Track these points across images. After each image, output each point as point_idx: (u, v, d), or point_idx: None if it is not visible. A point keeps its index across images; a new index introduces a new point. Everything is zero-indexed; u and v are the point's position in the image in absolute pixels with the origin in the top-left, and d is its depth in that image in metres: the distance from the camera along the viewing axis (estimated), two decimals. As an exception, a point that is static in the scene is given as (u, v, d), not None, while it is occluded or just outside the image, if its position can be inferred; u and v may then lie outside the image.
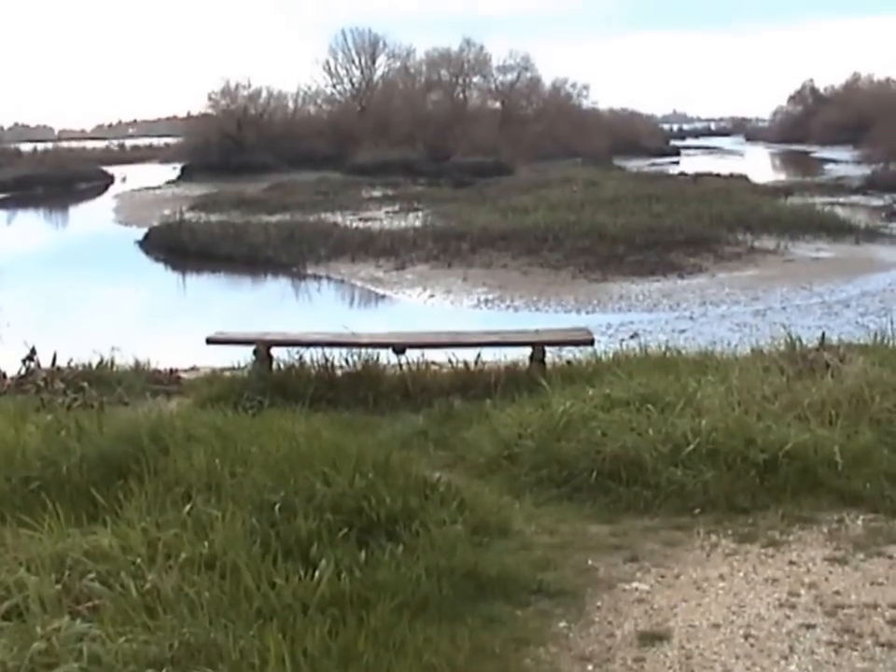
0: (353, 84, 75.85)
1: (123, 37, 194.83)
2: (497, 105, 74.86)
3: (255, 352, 10.08)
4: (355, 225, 31.53)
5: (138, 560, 4.82)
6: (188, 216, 33.67)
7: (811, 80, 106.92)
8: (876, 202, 38.19)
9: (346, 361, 10.07)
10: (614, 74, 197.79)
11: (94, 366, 10.54)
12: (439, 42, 76.00)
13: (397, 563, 5.12)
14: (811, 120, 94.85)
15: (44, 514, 5.41)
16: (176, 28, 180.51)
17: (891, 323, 10.93)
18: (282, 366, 10.05)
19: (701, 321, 18.02)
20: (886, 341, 9.97)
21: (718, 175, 47.92)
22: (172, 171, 64.68)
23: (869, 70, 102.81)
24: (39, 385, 9.42)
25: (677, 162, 73.63)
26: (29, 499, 5.89)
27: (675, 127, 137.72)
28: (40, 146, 73.96)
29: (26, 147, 72.59)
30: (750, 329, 16.73)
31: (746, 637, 4.86)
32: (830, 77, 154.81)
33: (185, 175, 60.26)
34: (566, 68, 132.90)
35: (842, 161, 65.38)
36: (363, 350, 10.07)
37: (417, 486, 6.01)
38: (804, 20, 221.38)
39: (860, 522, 6.21)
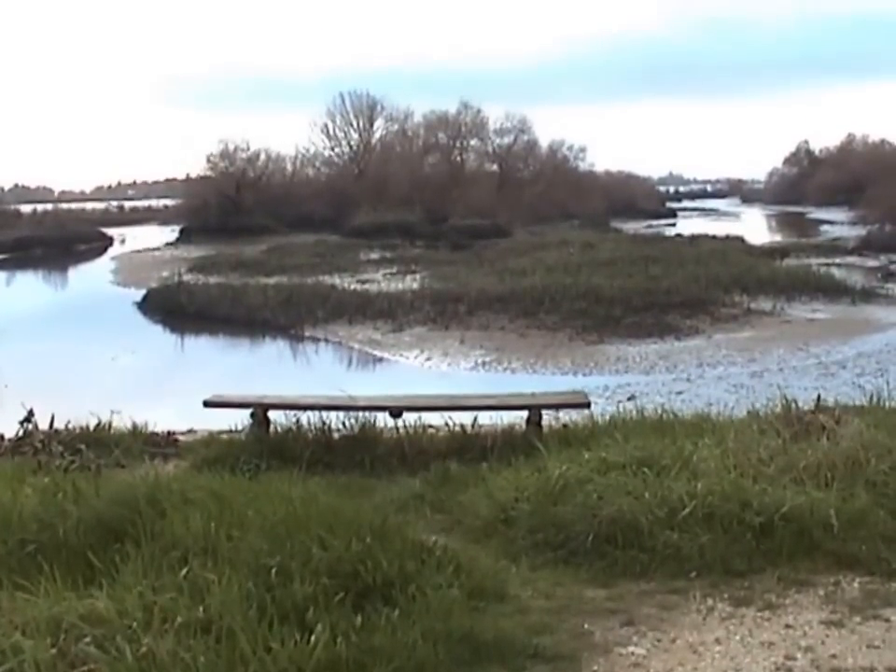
0: (351, 147, 76.45)
1: (123, 99, 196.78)
2: (495, 167, 75.47)
3: (252, 415, 10.10)
4: (352, 287, 31.72)
5: (134, 624, 4.81)
6: (186, 277, 33.94)
7: (806, 142, 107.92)
8: (872, 262, 38.46)
9: (343, 424, 10.09)
10: (611, 137, 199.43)
11: (92, 428, 10.54)
12: (436, 105, 76.61)
13: (393, 627, 5.10)
14: (806, 182, 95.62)
15: (40, 577, 5.41)
16: (175, 90, 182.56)
17: (887, 384, 10.97)
18: (279, 429, 10.07)
19: (698, 383, 18.05)
20: (882, 402, 10.00)
21: (714, 237, 48.27)
22: (170, 232, 65.09)
23: (863, 131, 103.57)
24: (37, 446, 9.46)
25: (673, 224, 74.09)
26: (25, 562, 5.88)
27: (671, 189, 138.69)
28: (40, 207, 74.43)
29: (26, 209, 72.91)
30: (747, 390, 16.73)
31: (742, 701, 4.85)
32: (825, 139, 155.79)
33: (183, 237, 60.59)
34: (563, 131, 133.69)
35: (837, 222, 65.77)
36: (360, 413, 10.09)
37: (414, 550, 6.01)
38: (801, 84, 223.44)
39: (856, 584, 6.20)
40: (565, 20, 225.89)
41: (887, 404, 9.93)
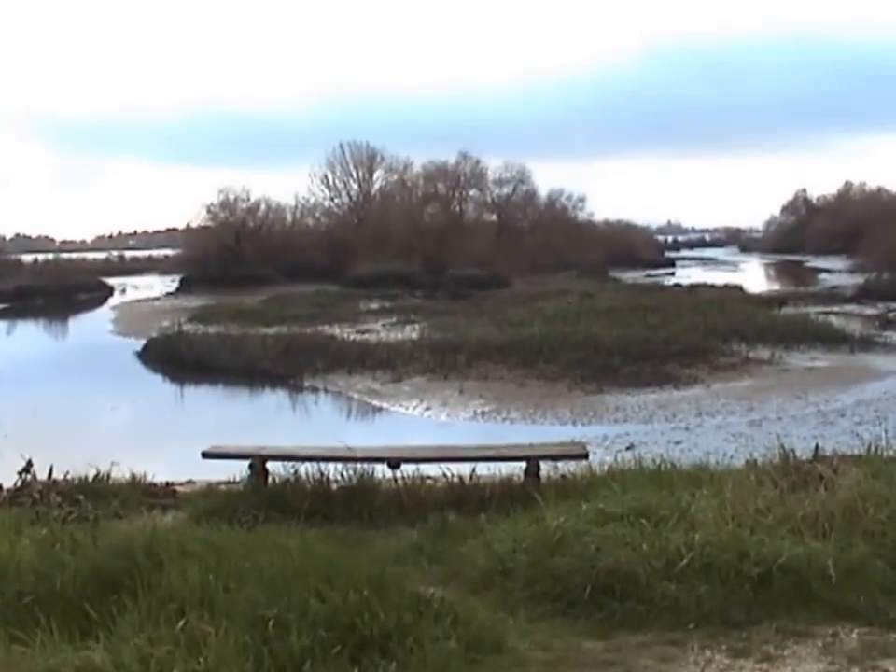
0: (350, 197, 76.84)
1: (123, 147, 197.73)
2: (494, 217, 75.70)
3: (250, 466, 10.09)
4: (352, 337, 31.76)
5: (130, 677, 4.80)
6: (186, 327, 34.07)
7: (804, 190, 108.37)
8: (870, 310, 38.58)
9: (342, 475, 10.08)
10: (609, 187, 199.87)
11: (90, 479, 10.52)
12: (435, 155, 77.14)
13: (390, 680, 5.10)
14: (804, 230, 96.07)
15: (36, 629, 5.40)
16: (175, 140, 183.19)
17: (885, 432, 10.97)
18: (277, 480, 10.06)
19: (697, 432, 18.03)
20: (880, 451, 9.97)
21: (712, 286, 48.52)
22: (171, 282, 65.32)
23: (861, 179, 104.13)
24: (35, 497, 9.46)
25: (672, 273, 74.44)
26: (22, 614, 5.87)
27: (670, 238, 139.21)
28: (41, 256, 74.69)
29: (27, 258, 73.21)
30: (746, 439, 16.73)
31: (740, 754, 4.83)
32: (822, 187, 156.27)
33: (183, 287, 60.83)
34: (561, 181, 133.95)
35: (835, 271, 66.02)
36: (358, 464, 10.09)
37: (411, 602, 5.99)
38: (799, 133, 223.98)
39: (854, 635, 6.17)
40: (564, 73, 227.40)
41: (885, 453, 9.90)
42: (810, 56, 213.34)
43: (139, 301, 56.47)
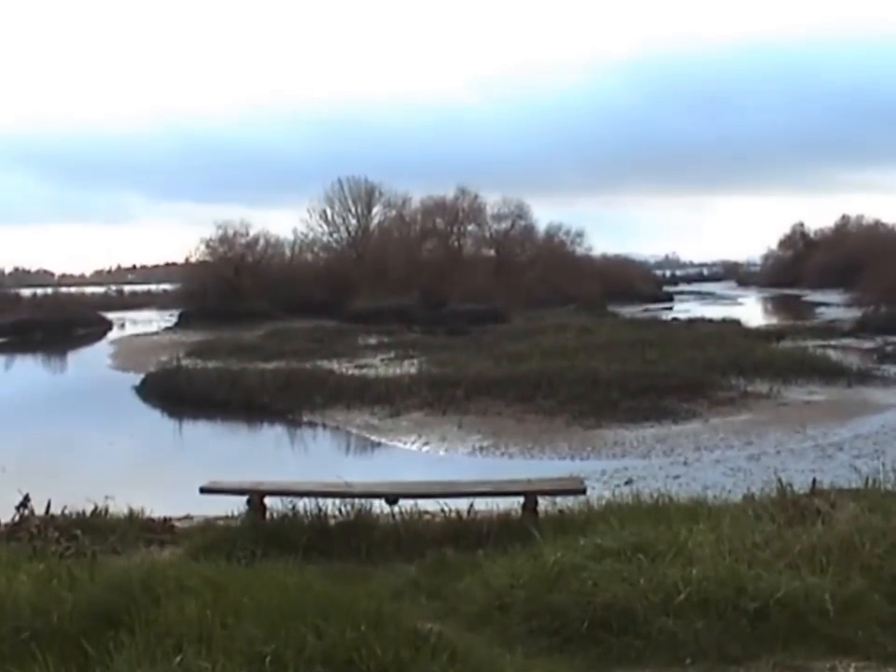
0: (349, 232, 77.02)
1: (121, 182, 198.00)
2: (492, 252, 75.90)
3: (248, 501, 10.09)
4: (350, 372, 31.76)
5: (127, 714, 4.79)
6: (184, 362, 34.10)
7: (801, 224, 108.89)
8: (868, 344, 38.63)
9: (339, 511, 10.08)
10: (608, 222, 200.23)
11: (88, 514, 10.51)
12: (434, 190, 77.31)
13: (387, 716, 5.08)
14: (802, 264, 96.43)
15: (33, 665, 5.39)
16: (174, 176, 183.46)
17: (883, 466, 10.99)
18: (275, 515, 10.05)
19: (695, 466, 18.02)
20: (878, 485, 9.99)
21: (710, 320, 48.58)
22: (169, 317, 65.41)
23: (858, 213, 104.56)
24: (32, 532, 9.44)
25: (670, 308, 74.53)
26: (19, 649, 5.85)
27: (668, 273, 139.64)
28: (40, 290, 74.86)
29: (26, 292, 73.37)
30: (744, 473, 16.73)
31: None
32: (820, 221, 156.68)
33: (182, 322, 60.91)
34: (559, 216, 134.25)
35: (833, 304, 66.16)
36: (356, 500, 10.09)
37: (409, 638, 5.98)
38: (798, 167, 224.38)
39: (852, 670, 6.15)
40: (560, 109, 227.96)
41: (883, 487, 9.91)
42: (807, 92, 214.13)
43: (138, 335, 56.57)
